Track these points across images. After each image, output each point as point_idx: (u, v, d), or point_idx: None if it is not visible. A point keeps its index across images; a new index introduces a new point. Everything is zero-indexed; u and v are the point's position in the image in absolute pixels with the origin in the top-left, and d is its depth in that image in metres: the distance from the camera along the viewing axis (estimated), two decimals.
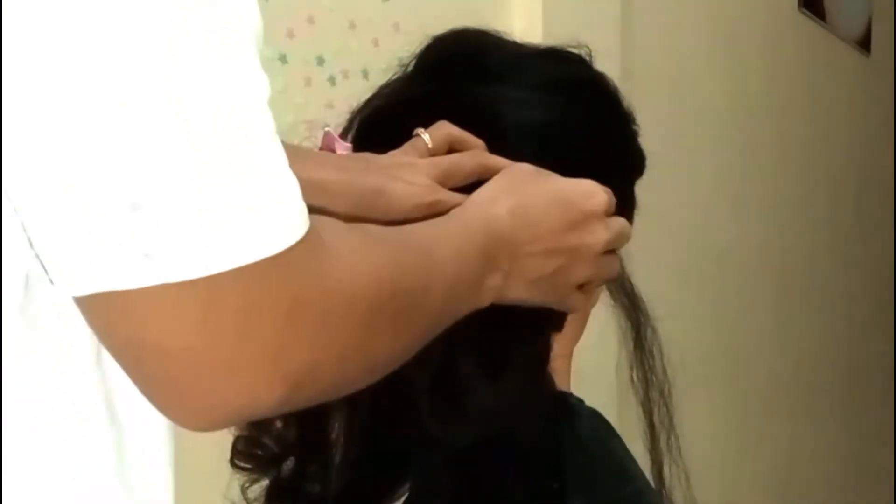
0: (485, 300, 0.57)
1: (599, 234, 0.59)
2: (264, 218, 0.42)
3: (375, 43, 1.71)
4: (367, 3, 1.76)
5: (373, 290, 0.48)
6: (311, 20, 1.68)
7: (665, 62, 2.31)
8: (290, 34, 1.64)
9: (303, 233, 0.44)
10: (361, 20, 1.73)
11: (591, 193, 0.59)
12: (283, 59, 1.63)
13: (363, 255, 0.49)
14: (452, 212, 0.58)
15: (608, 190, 0.61)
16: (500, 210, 0.57)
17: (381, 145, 0.65)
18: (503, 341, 0.62)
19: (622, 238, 0.62)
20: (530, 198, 0.58)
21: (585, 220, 0.58)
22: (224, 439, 0.70)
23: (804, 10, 2.85)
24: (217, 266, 0.41)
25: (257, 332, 0.43)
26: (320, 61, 1.67)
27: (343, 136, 0.68)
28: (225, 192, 0.41)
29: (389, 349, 0.52)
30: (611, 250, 0.62)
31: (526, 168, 0.61)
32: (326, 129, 0.66)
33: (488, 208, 0.57)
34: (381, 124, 0.68)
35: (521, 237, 0.57)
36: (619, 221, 0.61)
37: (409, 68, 0.71)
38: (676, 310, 2.27)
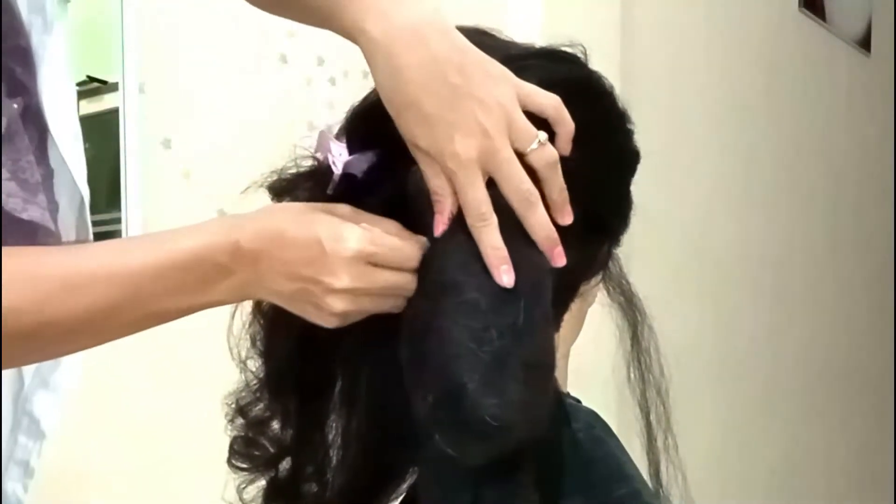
0: (221, 297, 0.63)
1: (338, 276, 0.61)
2: None
3: None
4: None
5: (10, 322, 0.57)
6: None
7: (665, 62, 2.31)
8: (291, 34, 1.63)
9: None
10: None
11: (340, 237, 0.61)
12: (283, 59, 1.63)
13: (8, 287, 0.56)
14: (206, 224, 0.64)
15: (370, 238, 0.61)
16: (247, 227, 0.62)
17: (372, 148, 0.64)
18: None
19: (373, 287, 0.62)
20: (283, 223, 0.63)
21: (325, 258, 0.61)
22: (221, 440, 0.70)
23: (804, 10, 2.85)
24: None
25: None
26: (320, 61, 1.67)
27: (339, 136, 0.68)
28: None
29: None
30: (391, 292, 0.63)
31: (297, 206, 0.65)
32: (322, 129, 0.66)
33: (234, 224, 0.63)
34: (371, 129, 0.67)
35: (263, 254, 0.62)
36: (378, 275, 0.61)
37: None
38: (676, 309, 2.28)
